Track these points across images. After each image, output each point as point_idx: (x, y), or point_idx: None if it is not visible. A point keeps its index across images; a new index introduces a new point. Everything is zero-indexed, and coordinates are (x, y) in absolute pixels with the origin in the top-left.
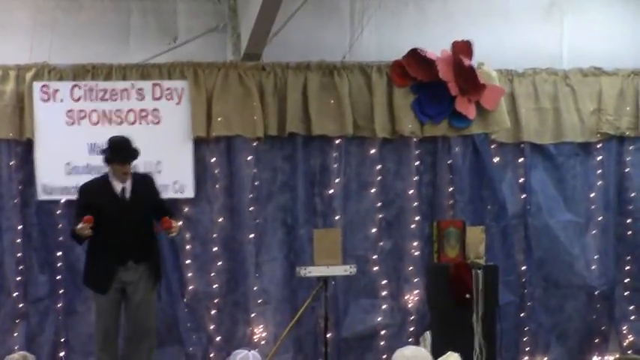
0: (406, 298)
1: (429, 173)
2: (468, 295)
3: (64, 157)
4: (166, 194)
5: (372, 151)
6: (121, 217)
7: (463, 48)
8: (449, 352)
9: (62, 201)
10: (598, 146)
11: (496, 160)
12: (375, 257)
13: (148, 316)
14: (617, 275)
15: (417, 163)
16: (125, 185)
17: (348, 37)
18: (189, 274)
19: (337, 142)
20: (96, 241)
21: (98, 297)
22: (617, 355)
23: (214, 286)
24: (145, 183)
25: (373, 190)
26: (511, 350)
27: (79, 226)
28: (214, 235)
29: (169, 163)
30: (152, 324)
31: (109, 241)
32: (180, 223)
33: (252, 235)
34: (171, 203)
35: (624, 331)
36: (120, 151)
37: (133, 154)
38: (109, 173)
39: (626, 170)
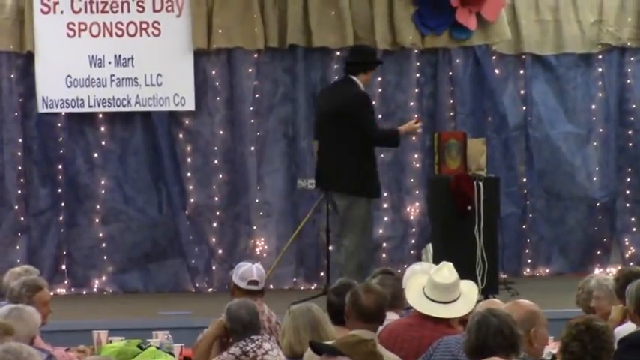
0: (407, 210)
1: (430, 85)
2: (469, 207)
3: (65, 70)
4: (167, 106)
5: None
6: None
7: None
8: (442, 262)
9: (63, 114)
10: (599, 57)
11: (497, 71)
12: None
13: None
14: (618, 187)
15: (418, 74)
16: None
17: None
18: (191, 187)
19: (338, 53)
20: (370, 148)
21: (368, 204)
22: (619, 267)
23: (215, 199)
24: None
25: (374, 102)
26: (513, 262)
27: (416, 126)
28: (215, 148)
29: (170, 76)
30: None
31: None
32: None
33: (253, 148)
34: (171, 115)
35: (626, 243)
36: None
37: None
38: (356, 81)
39: (627, 81)
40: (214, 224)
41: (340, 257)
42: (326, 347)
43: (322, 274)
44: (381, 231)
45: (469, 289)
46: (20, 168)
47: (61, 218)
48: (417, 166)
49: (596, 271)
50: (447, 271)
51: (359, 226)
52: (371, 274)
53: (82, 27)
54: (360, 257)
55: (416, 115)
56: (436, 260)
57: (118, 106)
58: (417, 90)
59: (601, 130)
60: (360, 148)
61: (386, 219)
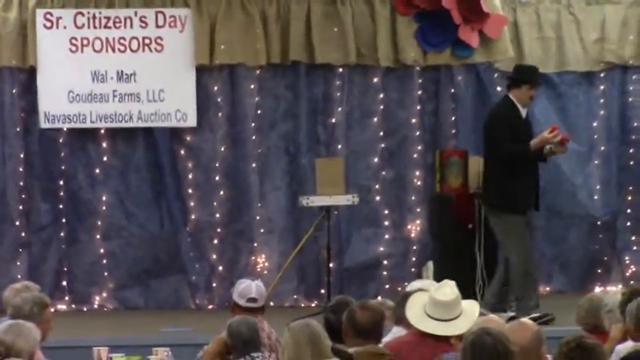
0: (408, 227)
1: (432, 102)
2: (470, 225)
3: (67, 85)
4: (169, 122)
5: (375, 80)
6: (526, 139)
7: None
8: (445, 280)
9: (65, 129)
10: (601, 75)
11: (499, 89)
12: (377, 187)
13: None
14: (619, 205)
15: (420, 92)
16: (523, 110)
17: None
18: (192, 204)
19: (340, 70)
20: (517, 164)
21: (516, 220)
22: (620, 285)
23: (217, 216)
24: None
25: (376, 119)
26: None
27: (549, 135)
28: (217, 165)
29: (172, 92)
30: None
31: (529, 166)
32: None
33: (254, 165)
34: (173, 132)
35: (627, 262)
36: (538, 75)
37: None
38: (511, 99)
39: (629, 99)
40: (215, 241)
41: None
42: (345, 355)
43: (323, 291)
44: (381, 249)
45: (471, 308)
46: (22, 183)
47: (62, 234)
48: (419, 183)
49: (597, 289)
50: (448, 289)
51: (510, 239)
52: None
53: (85, 42)
54: (520, 269)
55: (552, 125)
56: (437, 278)
57: (120, 121)
58: (418, 107)
59: (603, 149)
60: (502, 164)
61: (387, 236)
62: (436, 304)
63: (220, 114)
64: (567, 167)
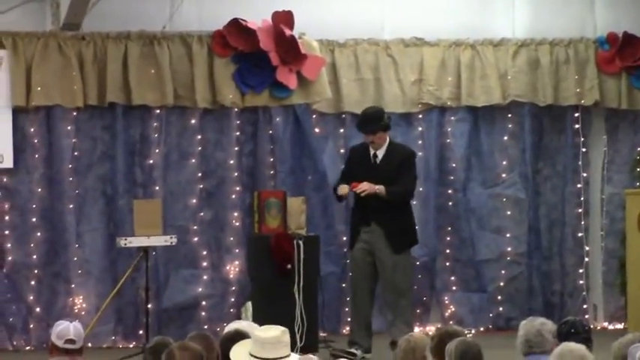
0: (227, 268)
1: (250, 143)
2: (289, 266)
3: None
4: None
5: (193, 121)
6: (368, 180)
7: (284, 18)
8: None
9: None
10: (419, 117)
11: (317, 130)
12: (195, 228)
13: (395, 276)
14: (438, 246)
15: (238, 133)
16: (377, 152)
17: (168, 6)
18: (8, 245)
19: (157, 111)
20: (354, 201)
21: (351, 252)
22: (439, 326)
23: (34, 257)
24: (399, 154)
25: (194, 161)
26: (332, 320)
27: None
28: (33, 206)
29: None
30: (403, 284)
31: (358, 202)
32: (377, 187)
33: (71, 206)
34: None
35: (446, 302)
36: (360, 121)
37: (371, 126)
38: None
39: (447, 141)
40: (32, 282)
41: None
42: None
43: (141, 332)
44: (200, 289)
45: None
46: None
47: None
48: (237, 224)
49: (416, 329)
50: (273, 330)
51: None
52: None
53: None
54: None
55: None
56: (256, 318)
57: None
58: (236, 148)
59: (421, 189)
60: None
61: (205, 277)
62: (260, 343)
63: (37, 155)
64: None
